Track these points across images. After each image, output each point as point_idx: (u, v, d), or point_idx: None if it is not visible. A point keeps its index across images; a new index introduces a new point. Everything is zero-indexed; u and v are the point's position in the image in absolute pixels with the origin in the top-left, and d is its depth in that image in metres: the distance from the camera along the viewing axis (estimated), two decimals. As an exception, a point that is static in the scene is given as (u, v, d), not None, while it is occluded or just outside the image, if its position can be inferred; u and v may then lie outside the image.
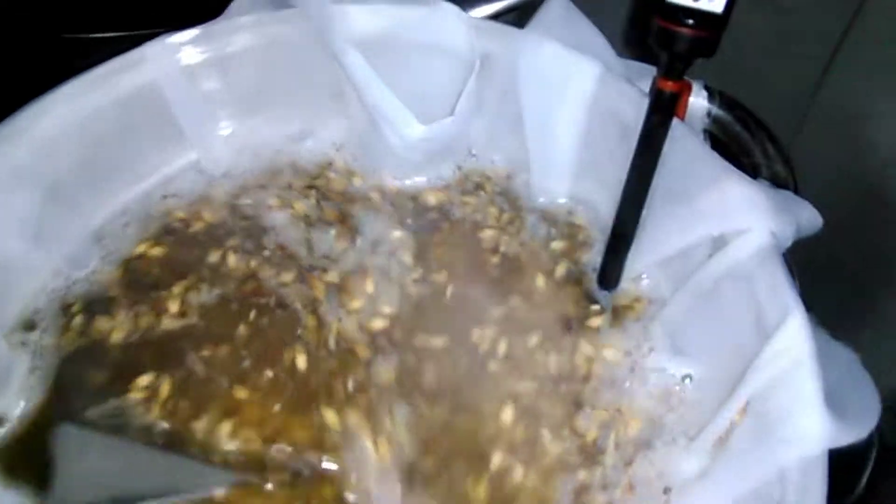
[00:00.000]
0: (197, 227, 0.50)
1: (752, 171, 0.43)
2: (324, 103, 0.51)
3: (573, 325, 0.46)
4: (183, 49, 0.48)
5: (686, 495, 0.37)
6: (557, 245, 0.49)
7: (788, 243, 0.37)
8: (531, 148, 0.49)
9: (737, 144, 0.44)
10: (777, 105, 0.56)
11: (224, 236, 0.49)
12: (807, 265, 0.62)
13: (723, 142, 0.45)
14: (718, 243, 0.39)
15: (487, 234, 0.50)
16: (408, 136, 0.45)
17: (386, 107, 0.45)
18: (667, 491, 0.39)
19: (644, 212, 0.43)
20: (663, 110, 0.40)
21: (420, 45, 0.48)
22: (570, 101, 0.45)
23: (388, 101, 0.44)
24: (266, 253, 0.47)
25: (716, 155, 0.39)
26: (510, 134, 0.50)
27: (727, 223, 0.38)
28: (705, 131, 0.45)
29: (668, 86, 0.39)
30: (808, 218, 0.38)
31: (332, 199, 0.50)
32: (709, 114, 0.45)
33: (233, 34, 0.48)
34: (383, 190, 0.51)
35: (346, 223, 0.50)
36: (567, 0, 0.45)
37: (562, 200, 0.50)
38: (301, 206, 0.50)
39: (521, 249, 0.49)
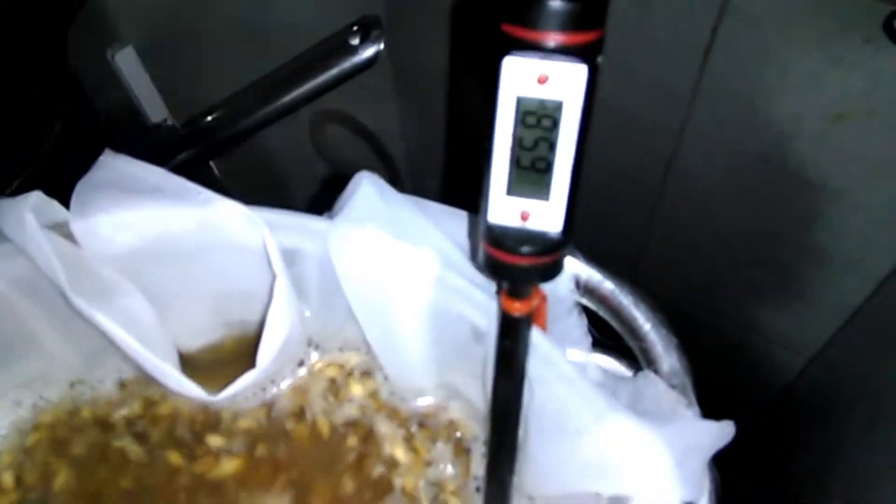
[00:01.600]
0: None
1: (644, 360, 0.35)
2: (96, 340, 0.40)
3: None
4: None
5: None
6: (433, 455, 0.40)
7: (702, 494, 0.30)
8: (374, 345, 0.40)
9: (621, 323, 0.36)
10: (659, 102, 0.56)
11: None
12: (719, 250, 0.63)
13: (601, 317, 0.37)
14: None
15: (347, 448, 0.41)
16: (206, 400, 0.35)
17: (158, 374, 0.35)
18: None
19: (521, 432, 0.34)
20: (516, 334, 0.31)
21: (208, 247, 0.38)
22: (403, 301, 0.36)
23: (156, 367, 0.34)
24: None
25: (596, 388, 0.30)
26: (348, 326, 0.41)
27: (620, 486, 0.30)
28: (578, 304, 0.36)
29: (516, 308, 0.30)
30: (718, 437, 0.31)
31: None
32: (577, 283, 0.36)
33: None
34: (214, 422, 0.41)
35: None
36: (376, 177, 0.35)
37: (429, 398, 0.41)
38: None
39: (392, 461, 0.41)
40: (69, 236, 0.36)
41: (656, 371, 0.34)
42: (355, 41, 0.70)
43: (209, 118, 0.75)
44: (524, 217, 0.27)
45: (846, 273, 0.56)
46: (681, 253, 0.68)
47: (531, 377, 0.32)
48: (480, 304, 0.34)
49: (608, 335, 0.37)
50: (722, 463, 0.31)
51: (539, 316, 0.34)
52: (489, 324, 0.34)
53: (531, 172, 0.27)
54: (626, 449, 0.30)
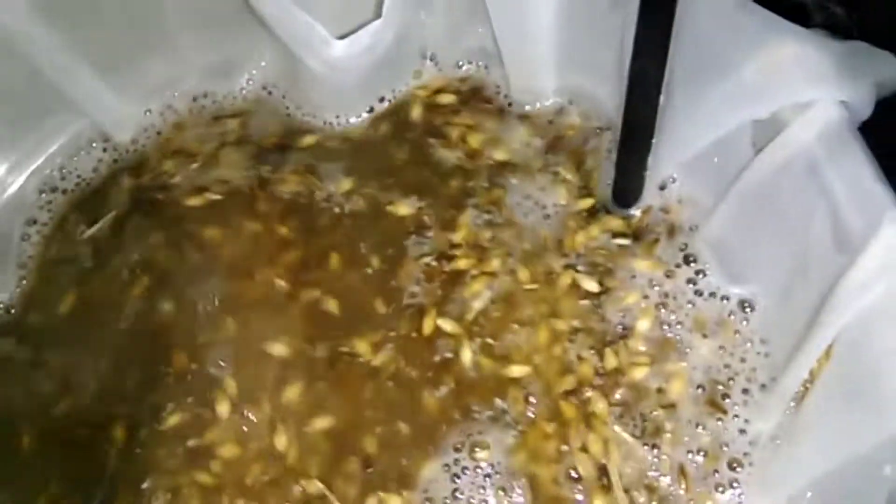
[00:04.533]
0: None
1: (797, 16, 0.33)
2: (236, 31, 0.41)
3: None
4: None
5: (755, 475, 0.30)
6: (556, 158, 0.40)
7: (867, 113, 0.28)
8: (501, 39, 0.39)
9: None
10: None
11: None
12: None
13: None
14: (767, 130, 0.30)
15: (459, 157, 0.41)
16: (329, 57, 0.36)
17: (290, 25, 0.35)
18: (733, 466, 0.32)
19: (662, 98, 0.33)
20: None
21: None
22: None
23: (291, 17, 0.35)
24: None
25: (753, 4, 0.29)
26: (472, 26, 0.41)
27: (780, 97, 0.29)
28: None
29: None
30: (890, 71, 0.29)
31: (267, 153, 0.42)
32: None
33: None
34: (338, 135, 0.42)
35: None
36: None
37: (550, 100, 0.41)
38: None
39: (512, 168, 0.40)
40: None
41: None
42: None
43: None
44: None
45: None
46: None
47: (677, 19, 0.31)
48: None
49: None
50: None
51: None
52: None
53: None
54: (787, 62, 0.28)
